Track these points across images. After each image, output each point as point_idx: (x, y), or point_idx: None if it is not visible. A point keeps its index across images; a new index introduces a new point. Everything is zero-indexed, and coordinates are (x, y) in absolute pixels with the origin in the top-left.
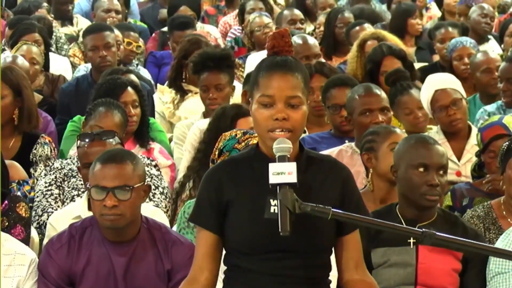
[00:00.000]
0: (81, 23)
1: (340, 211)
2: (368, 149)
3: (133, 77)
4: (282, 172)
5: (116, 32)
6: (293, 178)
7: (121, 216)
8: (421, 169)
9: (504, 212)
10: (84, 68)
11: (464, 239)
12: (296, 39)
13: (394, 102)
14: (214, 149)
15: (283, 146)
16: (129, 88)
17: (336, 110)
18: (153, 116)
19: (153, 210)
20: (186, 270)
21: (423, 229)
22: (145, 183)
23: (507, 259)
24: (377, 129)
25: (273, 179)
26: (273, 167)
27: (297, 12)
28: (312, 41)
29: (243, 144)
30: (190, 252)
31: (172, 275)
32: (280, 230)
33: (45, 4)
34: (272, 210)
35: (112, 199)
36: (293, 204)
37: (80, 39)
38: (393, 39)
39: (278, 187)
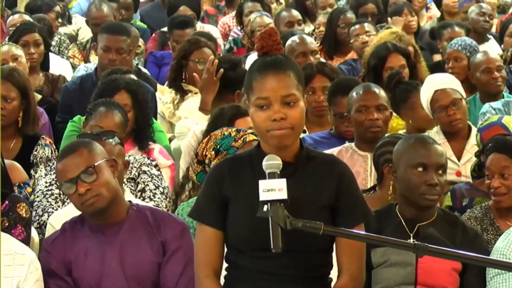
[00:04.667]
0: (80, 23)
1: (331, 226)
2: (387, 160)
3: (132, 77)
4: (273, 189)
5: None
6: (283, 195)
7: (99, 195)
8: (420, 169)
9: (501, 213)
10: (84, 68)
11: (456, 251)
12: (292, 37)
13: (406, 102)
14: (203, 149)
15: (273, 163)
16: (123, 92)
17: (342, 118)
18: (156, 117)
19: None
20: (179, 242)
21: (415, 242)
22: (110, 159)
23: (499, 269)
24: (393, 140)
25: (263, 196)
26: (263, 184)
27: (295, 13)
28: (309, 38)
29: (240, 141)
30: (181, 226)
31: (167, 247)
32: (272, 246)
33: (57, 8)
34: (265, 209)
35: (82, 185)
36: (284, 221)
37: (79, 39)
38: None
39: (269, 204)
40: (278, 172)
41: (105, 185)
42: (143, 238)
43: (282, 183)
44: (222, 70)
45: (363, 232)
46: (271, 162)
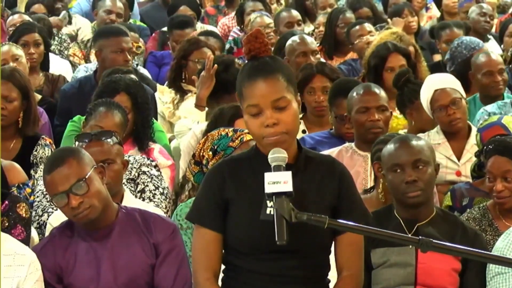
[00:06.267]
0: (80, 23)
1: (335, 220)
2: (379, 158)
3: (133, 77)
4: (278, 182)
5: None
6: (288, 187)
7: (91, 207)
8: (396, 170)
9: (499, 213)
10: (84, 68)
11: (461, 247)
12: (293, 37)
13: (413, 103)
14: (200, 150)
15: (278, 156)
16: (122, 94)
17: (343, 120)
18: (156, 117)
19: (153, 211)
20: (171, 243)
21: (420, 237)
22: (97, 166)
23: (503, 265)
24: (388, 138)
25: (268, 189)
26: (268, 177)
27: (294, 13)
28: (309, 38)
29: (237, 141)
30: (172, 227)
31: (159, 249)
32: (276, 239)
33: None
34: (268, 212)
35: (74, 198)
36: (289, 213)
37: (79, 39)
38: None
39: (274, 196)
40: (284, 165)
41: (97, 195)
42: (134, 240)
43: (287, 175)
44: (216, 66)
45: (367, 226)
46: (276, 155)
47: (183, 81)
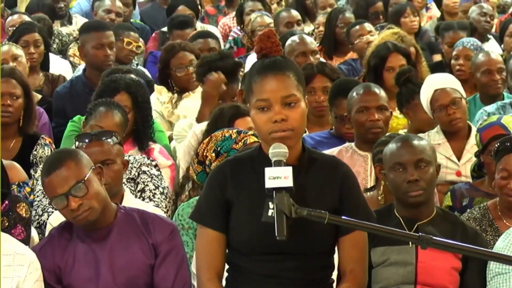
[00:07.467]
0: (80, 23)
1: (336, 216)
2: (380, 160)
3: (133, 77)
4: (278, 177)
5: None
6: (289, 182)
7: (91, 208)
8: (399, 169)
9: (500, 213)
10: (83, 68)
11: (461, 244)
12: (292, 37)
13: (409, 102)
14: (203, 150)
15: (279, 151)
16: (123, 93)
17: (343, 121)
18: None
19: (153, 210)
20: (170, 243)
21: (420, 234)
22: (95, 167)
23: (503, 263)
24: (389, 139)
25: (269, 184)
26: (269, 172)
27: (294, 13)
28: (309, 38)
29: (240, 143)
30: (171, 227)
31: (158, 250)
32: (276, 234)
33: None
34: (270, 214)
35: (74, 200)
36: (289, 209)
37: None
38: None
39: (274, 191)
40: (284, 160)
41: (96, 196)
42: (133, 241)
43: (288, 171)
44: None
45: (366, 222)
46: (277, 150)
47: (173, 88)
